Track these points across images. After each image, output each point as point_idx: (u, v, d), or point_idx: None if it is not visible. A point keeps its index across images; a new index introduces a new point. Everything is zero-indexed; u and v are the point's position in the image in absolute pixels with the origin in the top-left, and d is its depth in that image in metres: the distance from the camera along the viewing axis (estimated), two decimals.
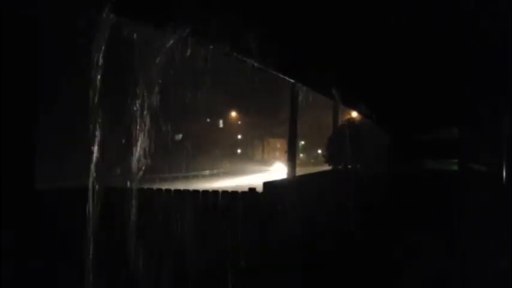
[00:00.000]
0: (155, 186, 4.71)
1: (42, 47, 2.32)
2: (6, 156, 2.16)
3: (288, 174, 7.51)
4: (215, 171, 30.58)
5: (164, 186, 4.77)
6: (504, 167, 3.85)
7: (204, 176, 27.91)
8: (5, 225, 2.17)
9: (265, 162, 40.99)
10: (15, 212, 2.23)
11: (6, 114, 2.17)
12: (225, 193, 4.64)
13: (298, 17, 3.63)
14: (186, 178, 23.68)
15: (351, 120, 12.74)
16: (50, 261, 3.21)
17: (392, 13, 3.69)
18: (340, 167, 10.70)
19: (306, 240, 4.96)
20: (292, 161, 7.90)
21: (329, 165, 11.60)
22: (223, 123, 43.61)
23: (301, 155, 45.46)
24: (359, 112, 11.60)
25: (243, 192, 4.64)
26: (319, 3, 3.39)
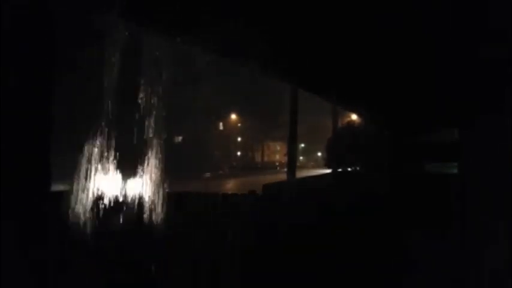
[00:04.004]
0: None
1: (57, 45, 2.37)
2: (21, 158, 2.20)
3: (288, 177, 7.59)
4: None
5: None
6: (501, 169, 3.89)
7: None
8: (20, 226, 2.22)
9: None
10: (29, 214, 2.27)
11: (21, 117, 2.22)
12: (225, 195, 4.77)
13: (304, 27, 3.71)
14: None
15: (351, 123, 12.78)
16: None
17: (391, 17, 3.75)
18: (340, 170, 10.74)
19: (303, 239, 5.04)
20: (291, 164, 7.97)
21: (329, 168, 11.63)
22: (223, 125, 43.58)
23: (301, 157, 45.37)
24: (358, 115, 11.64)
25: (243, 195, 4.78)
26: (322, 14, 3.46)
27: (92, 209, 4.47)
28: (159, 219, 4.41)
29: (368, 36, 4.22)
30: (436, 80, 5.41)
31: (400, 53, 4.72)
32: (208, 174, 29.39)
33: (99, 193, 4.72)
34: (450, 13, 3.63)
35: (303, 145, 47.90)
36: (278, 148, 50.49)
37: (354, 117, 13.40)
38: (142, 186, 3.97)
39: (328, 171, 11.33)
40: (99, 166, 4.29)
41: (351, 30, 4.11)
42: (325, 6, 3.57)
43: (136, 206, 4.58)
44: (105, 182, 4.61)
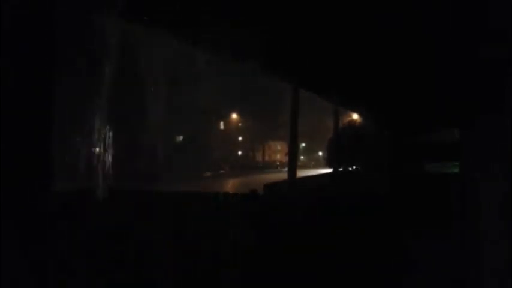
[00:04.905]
0: None
1: (57, 44, 2.37)
2: (21, 158, 2.20)
3: (289, 176, 7.59)
4: None
5: None
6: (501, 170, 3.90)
7: None
8: (20, 226, 2.22)
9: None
10: (29, 214, 2.27)
11: (21, 117, 2.22)
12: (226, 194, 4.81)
13: (307, 31, 3.71)
14: None
15: (352, 123, 12.82)
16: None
17: (391, 17, 3.75)
18: (340, 169, 10.76)
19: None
20: (292, 163, 7.96)
21: (329, 167, 11.66)
22: (224, 125, 43.59)
23: (301, 157, 45.37)
24: (359, 115, 11.65)
25: (244, 194, 4.81)
26: (323, 14, 3.47)
27: (86, 208, 4.50)
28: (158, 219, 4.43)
29: (368, 37, 4.23)
30: (436, 80, 5.41)
31: (401, 53, 4.73)
32: (209, 174, 29.42)
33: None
34: (450, 13, 3.63)
35: (303, 145, 47.90)
36: (279, 148, 50.53)
37: (355, 116, 13.42)
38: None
39: (329, 170, 11.35)
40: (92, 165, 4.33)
41: (351, 30, 4.12)
42: (325, 6, 3.57)
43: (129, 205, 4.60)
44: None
